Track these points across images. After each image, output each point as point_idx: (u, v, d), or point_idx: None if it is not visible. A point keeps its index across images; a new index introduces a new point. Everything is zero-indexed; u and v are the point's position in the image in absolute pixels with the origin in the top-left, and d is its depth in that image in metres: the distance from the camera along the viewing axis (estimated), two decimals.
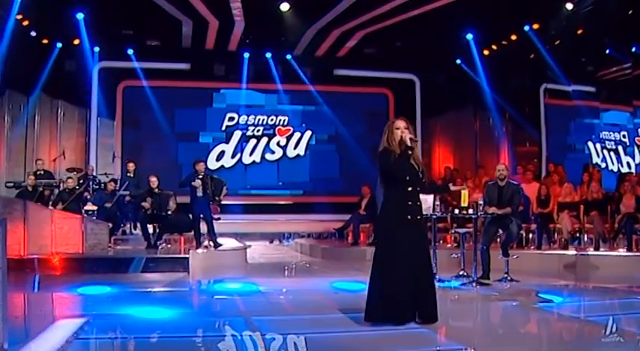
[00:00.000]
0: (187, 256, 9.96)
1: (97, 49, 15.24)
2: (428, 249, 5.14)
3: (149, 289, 7.75)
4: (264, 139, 17.57)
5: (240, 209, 16.46)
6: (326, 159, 17.58)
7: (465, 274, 8.60)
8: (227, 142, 17.33)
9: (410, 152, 5.05)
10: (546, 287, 7.98)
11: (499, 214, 8.27)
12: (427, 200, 8.37)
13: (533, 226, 11.46)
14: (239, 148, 17.45)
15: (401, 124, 5.16)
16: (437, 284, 7.93)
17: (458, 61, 16.06)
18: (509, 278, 8.32)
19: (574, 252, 10.49)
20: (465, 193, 8.17)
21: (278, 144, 17.69)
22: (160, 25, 14.34)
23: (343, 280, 8.29)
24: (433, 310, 5.01)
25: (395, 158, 5.05)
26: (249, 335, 4.94)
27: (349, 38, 15.17)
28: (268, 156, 17.60)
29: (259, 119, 17.58)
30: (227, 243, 13.28)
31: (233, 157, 17.37)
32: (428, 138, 17.78)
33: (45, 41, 14.56)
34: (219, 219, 12.29)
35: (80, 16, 13.48)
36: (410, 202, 5.02)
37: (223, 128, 17.35)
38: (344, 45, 15.71)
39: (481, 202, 8.16)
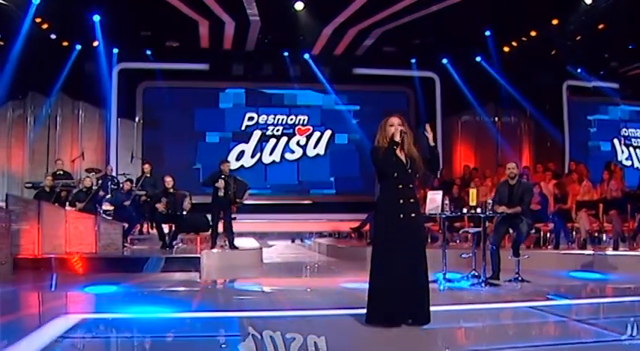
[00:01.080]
0: (198, 256, 9.94)
1: (115, 50, 15.40)
2: (422, 249, 4.99)
3: (153, 289, 7.73)
4: (284, 139, 17.59)
5: (261, 209, 16.47)
6: (346, 158, 17.53)
7: (477, 274, 8.43)
8: (247, 141, 17.38)
9: (395, 147, 4.92)
10: (558, 288, 7.80)
11: (508, 213, 8.10)
12: (436, 199, 8.29)
13: (551, 226, 11.21)
14: (259, 148, 17.48)
15: (395, 120, 5.04)
16: (447, 284, 8.00)
17: (478, 59, 15.83)
18: (520, 279, 8.11)
19: (591, 252, 10.23)
20: (473, 192, 8.04)
21: (298, 143, 17.69)
22: (177, 26, 14.41)
23: (352, 281, 8.23)
24: (426, 311, 4.89)
25: (382, 155, 4.95)
26: (225, 335, 4.93)
27: (367, 36, 15.07)
28: (288, 155, 17.61)
29: (279, 119, 17.59)
30: (245, 243, 13.28)
31: (253, 156, 17.41)
32: (448, 137, 17.62)
33: (65, 43, 14.74)
34: (234, 219, 12.28)
35: (97, 17, 13.61)
36: (402, 201, 4.90)
37: (243, 128, 17.41)
38: (362, 43, 15.61)
39: (490, 201, 7.99)
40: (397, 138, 4.92)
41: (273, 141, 17.54)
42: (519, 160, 16.26)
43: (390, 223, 4.91)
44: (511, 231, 8.45)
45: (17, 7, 12.55)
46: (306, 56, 16.45)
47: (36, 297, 7.41)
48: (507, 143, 16.79)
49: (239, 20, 13.91)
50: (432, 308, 5.29)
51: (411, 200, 4.96)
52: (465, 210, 8.17)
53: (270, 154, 17.53)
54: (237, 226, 14.45)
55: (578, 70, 14.78)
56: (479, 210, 7.94)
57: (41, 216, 9.81)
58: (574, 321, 5.36)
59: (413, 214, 4.94)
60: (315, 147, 17.71)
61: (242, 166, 17.06)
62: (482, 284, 7.84)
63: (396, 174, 4.95)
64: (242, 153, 17.34)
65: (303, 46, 15.90)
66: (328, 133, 17.63)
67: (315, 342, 4.55)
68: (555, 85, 15.79)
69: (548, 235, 11.31)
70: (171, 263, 9.80)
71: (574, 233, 11.15)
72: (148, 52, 15.75)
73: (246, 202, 13.11)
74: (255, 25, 14.29)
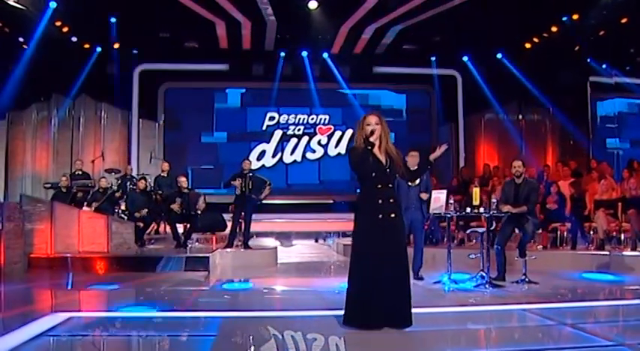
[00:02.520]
0: (207, 255, 9.95)
1: (135, 51, 15.58)
2: (403, 250, 4.88)
3: (153, 288, 7.77)
4: (305, 138, 17.59)
5: (282, 208, 16.48)
6: None
7: (484, 275, 8.26)
8: (268, 141, 17.41)
9: (370, 147, 4.81)
10: (563, 290, 7.59)
11: (513, 212, 7.91)
12: (440, 199, 8.15)
13: (568, 226, 10.95)
14: (280, 148, 17.50)
15: (372, 119, 4.94)
16: (452, 286, 7.85)
17: (499, 56, 15.54)
18: (527, 280, 7.93)
19: (608, 252, 9.95)
20: (476, 191, 7.88)
21: (319, 143, 17.66)
22: (194, 27, 14.51)
23: None
24: (406, 313, 4.77)
25: (359, 155, 4.86)
26: (204, 334, 4.92)
27: (384, 34, 14.94)
28: (309, 155, 17.59)
29: (300, 118, 17.60)
30: (264, 243, 13.30)
31: (274, 156, 17.44)
32: (471, 135, 17.38)
33: (86, 46, 14.96)
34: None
35: (113, 19, 13.78)
36: (381, 201, 4.80)
37: (264, 127, 17.44)
38: (381, 42, 15.48)
39: (494, 200, 7.82)
40: (373, 138, 4.83)
41: (294, 141, 17.55)
42: (544, 158, 15.93)
43: (369, 224, 4.82)
44: (517, 231, 8.25)
45: (38, 11, 12.75)
46: (325, 55, 16.37)
47: (36, 294, 7.50)
48: (531, 142, 16.46)
49: (255, 20, 13.94)
50: (428, 310, 5.23)
51: (391, 200, 4.86)
52: (468, 209, 7.96)
53: (292, 153, 17.54)
54: (260, 226, 14.56)
55: (603, 66, 14.36)
56: (482, 209, 7.75)
57: (54, 216, 9.97)
58: (562, 325, 5.17)
59: (393, 215, 4.83)
60: (336, 146, 17.67)
61: (263, 165, 17.10)
62: (486, 285, 7.67)
63: (374, 174, 4.85)
64: (263, 153, 17.39)
65: (322, 45, 15.85)
66: (349, 132, 17.53)
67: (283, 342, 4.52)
68: (579, 82, 15.37)
69: (565, 234, 11.07)
70: (182, 263, 9.82)
71: (591, 233, 10.86)
72: (168, 54, 15.85)
73: (267, 201, 13.18)
74: (271, 25, 14.30)
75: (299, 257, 13.47)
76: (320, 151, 17.57)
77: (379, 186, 4.85)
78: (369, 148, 4.80)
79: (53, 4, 12.38)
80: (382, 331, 4.65)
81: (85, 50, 14.99)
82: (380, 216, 4.79)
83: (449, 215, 8.18)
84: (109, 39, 14.61)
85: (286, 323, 5.24)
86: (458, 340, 4.81)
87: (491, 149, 17.24)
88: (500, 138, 17.11)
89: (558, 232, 11.09)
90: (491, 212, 7.76)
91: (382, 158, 4.90)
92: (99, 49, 14.99)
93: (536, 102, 15.69)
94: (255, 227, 15.36)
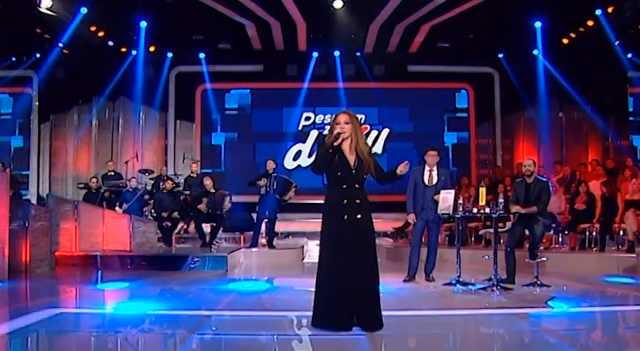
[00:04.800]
0: (225, 255, 10.05)
1: (170, 54, 15.90)
2: (371, 251, 4.79)
3: (160, 287, 7.90)
4: None
5: (317, 208, 16.43)
6: (403, 157, 17.02)
7: (497, 277, 8.05)
8: (304, 141, 17.44)
9: (330, 150, 4.73)
10: (575, 294, 7.33)
11: (522, 213, 7.69)
12: (447, 199, 7.97)
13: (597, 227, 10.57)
14: (316, 148, 17.48)
15: (341, 118, 4.87)
16: (462, 288, 7.69)
17: (535, 52, 15.11)
18: (538, 283, 7.68)
19: (635, 255, 9.55)
20: (482, 190, 7.70)
21: None
22: (227, 29, 14.69)
23: None
24: (376, 316, 4.69)
25: (323, 154, 4.80)
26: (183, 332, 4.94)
27: (416, 32, 14.75)
28: None
29: None
30: (294, 242, 13.33)
31: (310, 156, 17.41)
32: (509, 134, 16.96)
33: (123, 49, 15.35)
34: None
35: (143, 24, 14.09)
36: (346, 201, 4.74)
37: (300, 128, 17.48)
38: (413, 40, 15.29)
39: (501, 200, 7.59)
40: (337, 142, 4.75)
41: None
42: (585, 157, 15.41)
43: (334, 224, 4.76)
44: (527, 232, 8.01)
45: (72, 17, 13.17)
46: (358, 54, 16.29)
47: (44, 290, 7.71)
48: (572, 140, 15.96)
49: (283, 21, 13.99)
50: (424, 313, 5.10)
51: (357, 201, 4.77)
52: (474, 210, 7.78)
53: None
54: (293, 226, 14.60)
55: None
56: (487, 210, 7.56)
57: (79, 215, 10.27)
58: (548, 331, 4.97)
59: (359, 216, 4.75)
60: (372, 146, 17.50)
61: (299, 165, 17.13)
62: (493, 288, 7.45)
63: (339, 173, 4.79)
64: (299, 153, 17.41)
65: (354, 44, 15.77)
66: (386, 131, 17.40)
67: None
68: (618, 77, 14.77)
69: (594, 235, 10.69)
70: (201, 262, 9.92)
71: (621, 234, 10.45)
72: (202, 55, 16.10)
73: (301, 201, 13.21)
74: (301, 26, 14.32)
75: None
76: None
77: (344, 186, 4.78)
78: (329, 151, 4.73)
79: (84, 10, 12.72)
80: (350, 333, 4.59)
81: (122, 54, 15.36)
82: (345, 217, 4.72)
83: (458, 216, 8.01)
84: (143, 42, 14.93)
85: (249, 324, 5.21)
86: (439, 344, 4.70)
87: (531, 148, 16.76)
88: (540, 137, 16.62)
89: (587, 233, 10.73)
90: (497, 212, 7.54)
91: (350, 158, 4.83)
92: (134, 53, 15.32)
93: (576, 99, 15.17)
94: (288, 227, 15.49)
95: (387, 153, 17.29)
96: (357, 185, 4.82)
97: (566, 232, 11.03)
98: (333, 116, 4.93)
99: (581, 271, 9.19)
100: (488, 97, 16.77)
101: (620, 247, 10.54)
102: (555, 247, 11.18)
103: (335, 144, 4.74)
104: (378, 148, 17.42)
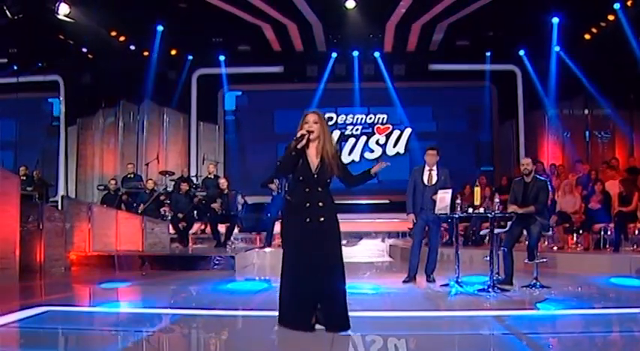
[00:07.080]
0: (233, 255, 10.17)
1: (190, 57, 16.14)
2: (336, 252, 4.76)
3: (159, 286, 8.03)
4: (363, 138, 17.51)
5: (341, 209, 16.44)
6: None
7: (498, 277, 7.96)
8: None
9: (294, 153, 4.71)
10: (570, 296, 7.18)
11: (519, 212, 7.57)
12: (445, 199, 7.90)
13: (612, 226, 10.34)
14: (338, 148, 17.49)
15: (310, 118, 4.84)
16: (459, 289, 7.61)
17: (557, 49, 14.82)
18: (537, 284, 7.54)
19: None
20: (477, 190, 7.62)
21: (377, 142, 17.55)
22: (245, 31, 14.84)
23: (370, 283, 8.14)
24: (341, 317, 4.68)
25: (287, 156, 4.77)
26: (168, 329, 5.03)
27: (433, 30, 14.64)
28: (367, 155, 17.49)
29: (358, 118, 17.56)
30: None
31: None
32: (533, 132, 16.65)
33: (145, 53, 15.64)
34: None
35: (160, 28, 14.34)
36: (308, 204, 4.73)
37: None
38: (432, 39, 15.18)
39: (497, 200, 7.49)
40: (301, 143, 4.74)
41: (352, 140, 17.51)
42: (612, 156, 15.01)
43: (296, 227, 4.74)
44: (525, 233, 7.88)
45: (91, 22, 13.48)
46: (377, 54, 16.25)
47: (46, 289, 7.93)
48: (599, 138, 15.60)
49: (299, 22, 14.06)
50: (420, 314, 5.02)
51: (320, 204, 4.74)
52: (470, 210, 7.70)
53: (350, 153, 17.49)
54: None
55: None
56: (482, 209, 7.48)
57: (92, 216, 10.53)
58: (520, 335, 4.84)
59: (322, 219, 4.72)
60: (394, 146, 17.48)
61: None
62: (490, 290, 7.34)
63: (301, 177, 4.80)
64: None
65: (373, 44, 15.75)
66: (408, 131, 17.32)
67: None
68: None
69: (609, 235, 10.46)
70: (211, 262, 10.07)
71: (636, 233, 10.20)
72: (222, 58, 16.29)
73: None
74: (316, 26, 14.38)
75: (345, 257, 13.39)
76: (378, 151, 17.42)
77: (307, 189, 4.76)
78: (299, 150, 4.72)
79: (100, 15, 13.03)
80: (311, 334, 4.60)
81: (145, 58, 15.64)
82: (307, 220, 4.70)
83: (456, 216, 7.93)
84: (164, 46, 15.20)
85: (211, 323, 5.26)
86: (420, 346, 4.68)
87: (555, 147, 16.44)
88: (565, 135, 16.29)
89: (601, 233, 10.50)
90: (493, 213, 7.45)
91: (314, 162, 4.81)
92: (156, 56, 15.59)
93: (602, 95, 14.82)
94: None
95: (410, 153, 17.19)
96: (319, 188, 4.80)
97: (580, 232, 10.81)
98: (302, 115, 4.92)
99: (592, 272, 8.98)
100: (510, 95, 16.52)
101: (635, 247, 10.29)
102: (571, 247, 10.99)
103: (298, 147, 4.74)
104: (400, 148, 17.38)
